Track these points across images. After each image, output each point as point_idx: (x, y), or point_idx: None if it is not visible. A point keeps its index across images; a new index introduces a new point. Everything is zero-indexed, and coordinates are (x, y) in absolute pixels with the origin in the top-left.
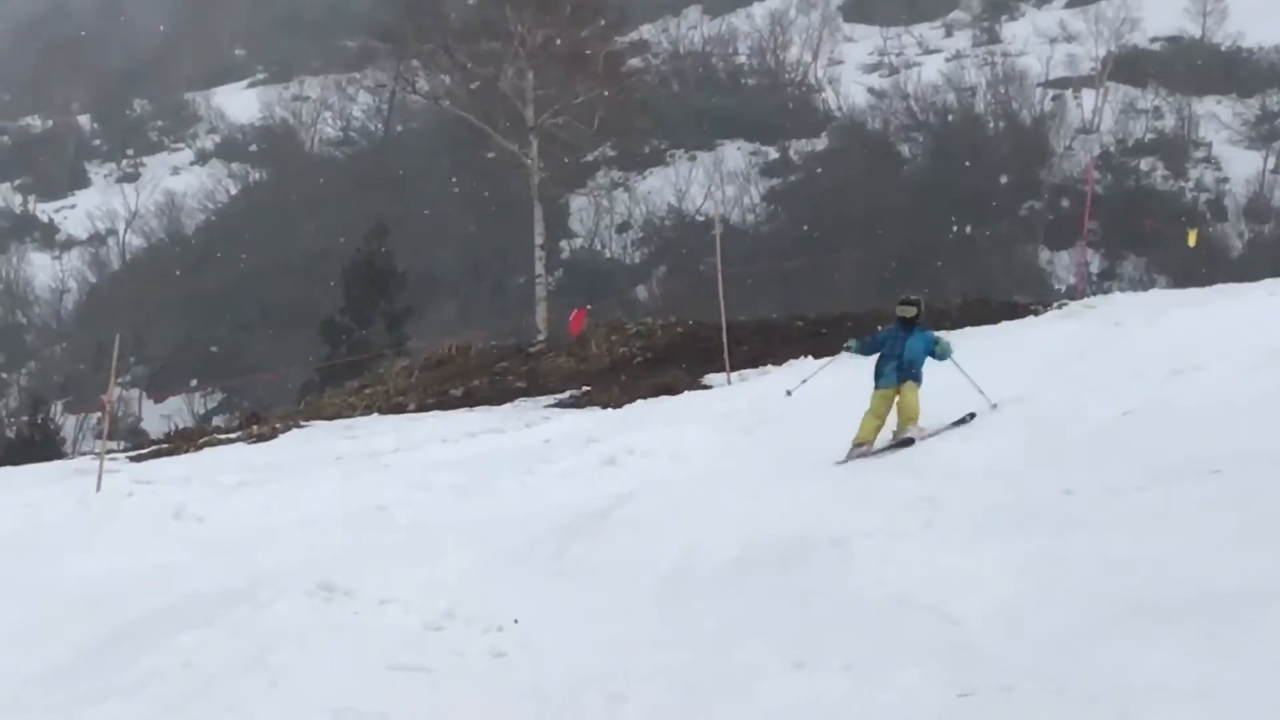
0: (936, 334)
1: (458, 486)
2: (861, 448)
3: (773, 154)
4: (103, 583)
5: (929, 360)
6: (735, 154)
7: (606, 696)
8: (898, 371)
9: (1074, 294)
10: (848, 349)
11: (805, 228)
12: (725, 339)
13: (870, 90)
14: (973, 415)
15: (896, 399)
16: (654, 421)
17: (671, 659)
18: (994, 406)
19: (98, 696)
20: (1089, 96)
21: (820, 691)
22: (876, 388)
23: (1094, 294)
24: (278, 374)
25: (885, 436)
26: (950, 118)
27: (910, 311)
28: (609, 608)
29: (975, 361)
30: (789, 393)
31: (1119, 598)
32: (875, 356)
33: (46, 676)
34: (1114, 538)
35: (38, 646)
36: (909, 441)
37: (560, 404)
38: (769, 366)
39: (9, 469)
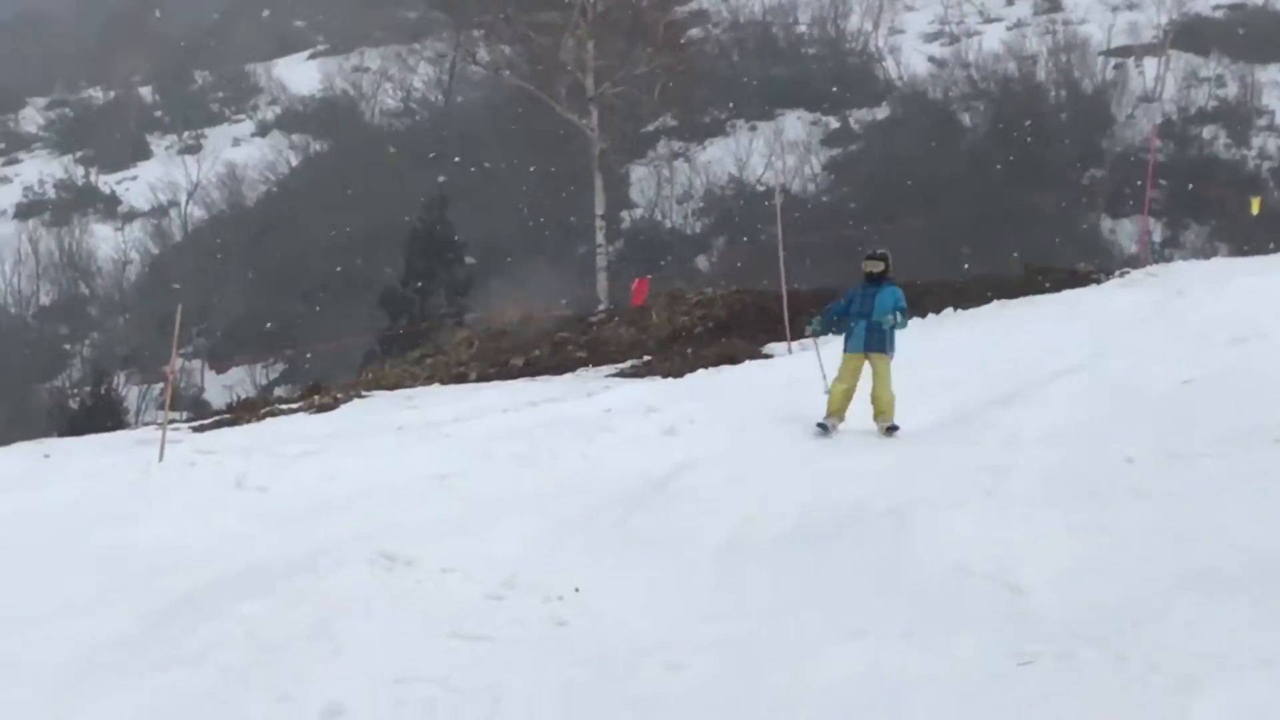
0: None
1: (518, 456)
2: (832, 419)
3: (833, 123)
4: (165, 552)
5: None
6: (796, 124)
7: (666, 665)
8: (866, 333)
9: (1136, 262)
10: (812, 330)
11: (866, 197)
12: (786, 308)
13: (931, 59)
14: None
15: (867, 366)
16: (714, 391)
17: (730, 628)
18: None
19: (161, 665)
20: (1151, 64)
21: (879, 660)
22: (846, 350)
23: (1156, 262)
24: (339, 344)
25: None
26: (1011, 86)
27: (878, 266)
28: (669, 577)
29: (1038, 330)
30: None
31: (1180, 565)
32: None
33: (110, 644)
34: (1175, 505)
35: (101, 615)
36: (894, 429)
37: (621, 373)
38: (830, 335)
39: (73, 439)
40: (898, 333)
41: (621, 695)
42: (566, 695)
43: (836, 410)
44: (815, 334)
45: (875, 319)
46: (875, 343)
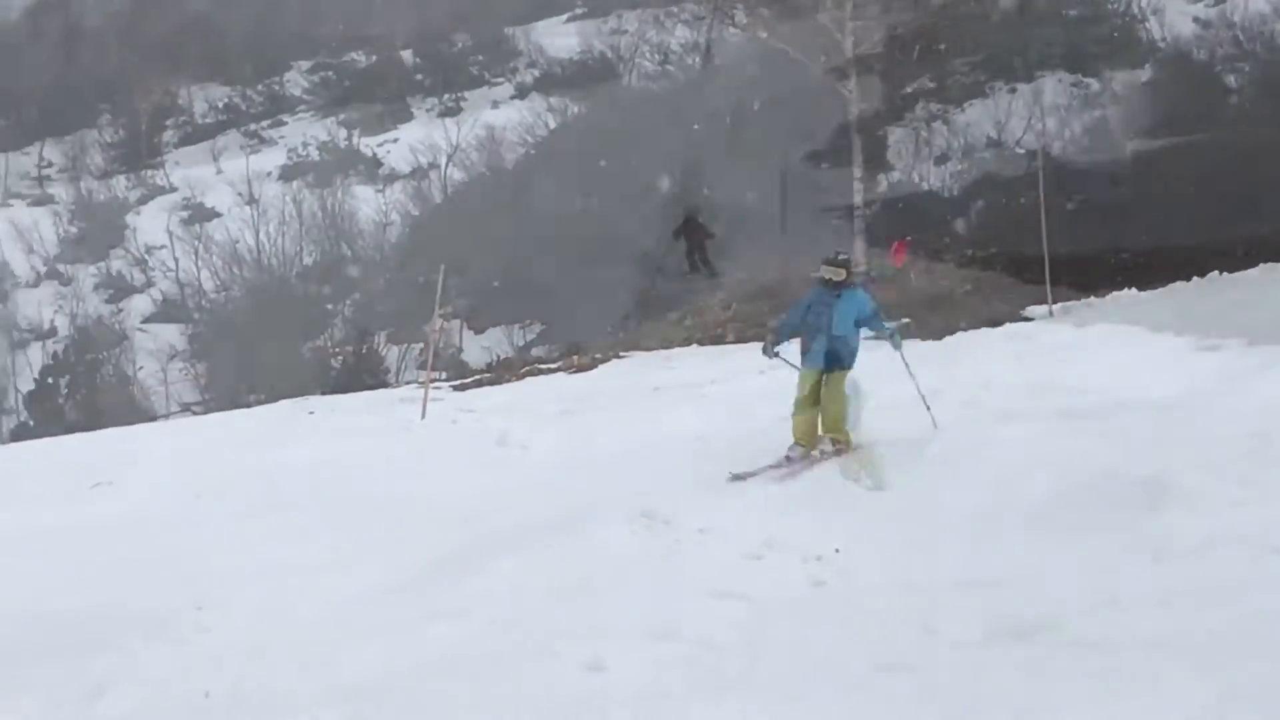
0: (875, 304)
1: (776, 417)
2: (799, 450)
3: (1094, 86)
4: (429, 506)
5: (872, 343)
6: (1055, 85)
7: (924, 629)
8: (827, 351)
9: None
10: (771, 349)
11: (1127, 160)
12: (1047, 271)
13: (1195, 20)
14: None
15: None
16: (972, 354)
17: (986, 593)
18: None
19: (427, 617)
20: None
21: (1136, 627)
22: (803, 366)
23: None
24: (597, 306)
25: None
26: (1279, 47)
27: (839, 274)
28: (924, 540)
29: None
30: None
31: None
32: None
33: (378, 596)
34: None
35: (368, 567)
36: (842, 450)
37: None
38: (1091, 299)
39: (336, 396)
40: (884, 342)
41: (880, 657)
42: (826, 654)
43: (802, 440)
44: (774, 354)
45: (837, 333)
46: (835, 359)
